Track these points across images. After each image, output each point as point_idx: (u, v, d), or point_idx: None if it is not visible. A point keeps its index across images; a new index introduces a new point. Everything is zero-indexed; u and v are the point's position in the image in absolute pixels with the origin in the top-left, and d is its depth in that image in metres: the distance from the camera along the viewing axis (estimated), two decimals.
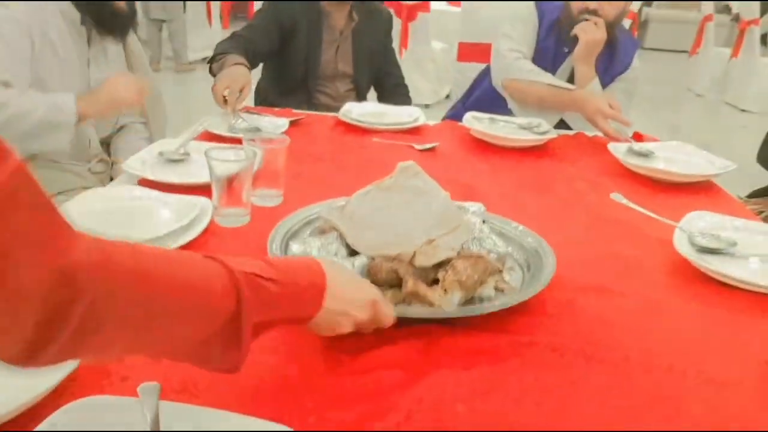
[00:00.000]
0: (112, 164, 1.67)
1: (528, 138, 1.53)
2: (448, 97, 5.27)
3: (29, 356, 0.43)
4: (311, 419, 0.63)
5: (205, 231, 0.99)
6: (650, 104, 5.22)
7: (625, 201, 1.13)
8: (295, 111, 1.75)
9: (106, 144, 1.72)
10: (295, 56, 1.97)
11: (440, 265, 0.83)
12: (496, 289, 0.86)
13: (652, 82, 5.68)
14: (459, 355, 0.74)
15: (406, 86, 2.21)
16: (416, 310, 0.80)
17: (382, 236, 0.85)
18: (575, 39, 1.71)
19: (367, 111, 1.71)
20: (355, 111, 1.68)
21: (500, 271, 0.88)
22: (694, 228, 1.04)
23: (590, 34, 1.68)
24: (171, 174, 1.19)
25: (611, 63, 1.81)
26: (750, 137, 4.85)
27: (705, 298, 0.91)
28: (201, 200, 1.04)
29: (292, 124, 1.59)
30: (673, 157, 1.45)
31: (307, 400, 0.65)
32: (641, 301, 0.89)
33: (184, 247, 0.93)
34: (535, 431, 0.63)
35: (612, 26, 1.73)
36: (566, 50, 1.79)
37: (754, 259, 0.98)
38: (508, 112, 1.93)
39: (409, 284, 0.81)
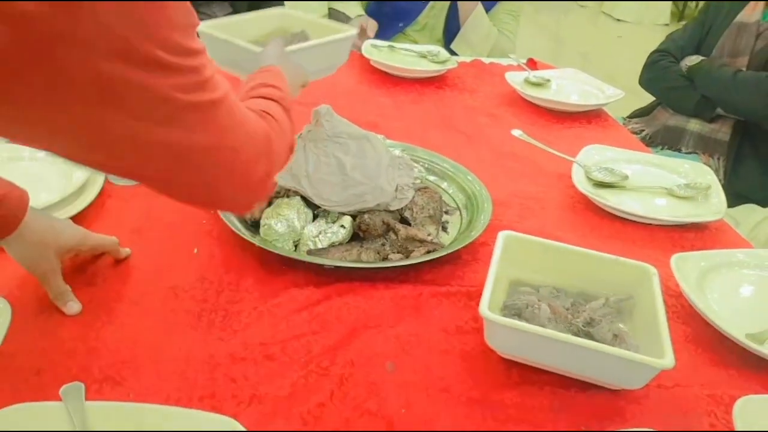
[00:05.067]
0: None
1: (428, 69, 1.52)
2: None
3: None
4: (244, 396, 0.62)
5: (101, 193, 0.92)
6: (536, 14, 5.32)
7: (525, 137, 1.16)
8: None
9: None
10: None
11: None
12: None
13: None
14: (385, 311, 0.76)
15: (282, 5, 2.11)
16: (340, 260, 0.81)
17: (352, 189, 0.86)
18: None
19: None
20: None
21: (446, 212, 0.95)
22: (589, 162, 1.10)
23: None
24: None
25: None
26: (625, 48, 5.10)
27: (602, 231, 0.98)
28: None
29: None
30: (568, 86, 1.51)
31: (237, 378, 0.65)
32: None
33: (78, 216, 0.86)
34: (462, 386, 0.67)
35: None
36: None
37: (644, 191, 1.06)
38: (396, 29, 1.92)
39: (402, 231, 0.84)
